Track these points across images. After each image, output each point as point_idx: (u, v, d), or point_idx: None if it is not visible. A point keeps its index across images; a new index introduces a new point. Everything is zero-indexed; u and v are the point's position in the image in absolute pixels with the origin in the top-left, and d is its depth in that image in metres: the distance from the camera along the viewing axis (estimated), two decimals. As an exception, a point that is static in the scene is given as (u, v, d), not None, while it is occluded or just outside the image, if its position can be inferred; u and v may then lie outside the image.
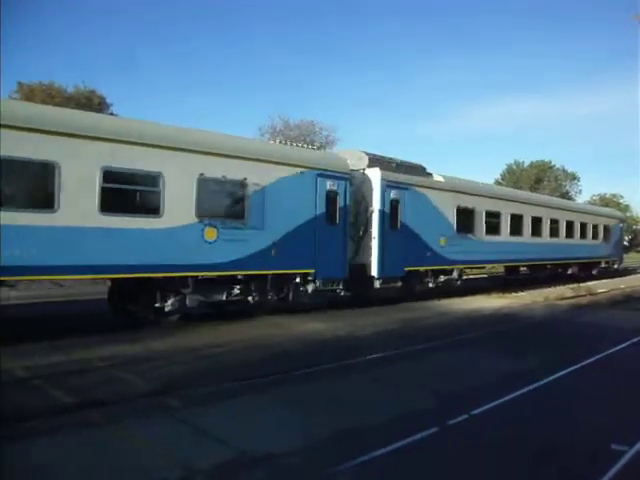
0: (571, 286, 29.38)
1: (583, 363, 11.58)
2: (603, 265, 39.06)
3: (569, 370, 10.93)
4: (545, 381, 9.97)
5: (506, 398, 8.80)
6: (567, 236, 33.47)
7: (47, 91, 49.75)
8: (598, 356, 12.32)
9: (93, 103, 51.88)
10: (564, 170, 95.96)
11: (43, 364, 10.01)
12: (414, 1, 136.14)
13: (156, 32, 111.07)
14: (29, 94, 46.49)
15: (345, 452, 6.29)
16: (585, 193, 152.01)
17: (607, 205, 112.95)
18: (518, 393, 9.12)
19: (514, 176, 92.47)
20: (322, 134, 59.69)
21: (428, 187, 21.97)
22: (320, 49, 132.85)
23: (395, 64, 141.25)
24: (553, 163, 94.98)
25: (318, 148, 24.79)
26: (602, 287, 30.34)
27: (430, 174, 23.06)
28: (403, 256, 20.29)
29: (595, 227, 37.42)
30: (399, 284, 21.15)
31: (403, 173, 20.99)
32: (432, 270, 22.41)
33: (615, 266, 41.03)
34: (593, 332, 15.82)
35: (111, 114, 51.89)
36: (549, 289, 28.77)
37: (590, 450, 6.90)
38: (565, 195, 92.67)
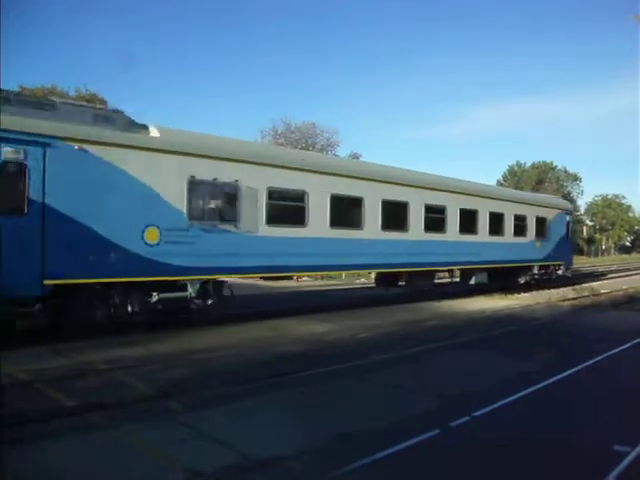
0: (573, 287, 29.41)
1: (585, 364, 11.57)
2: (536, 271, 29.47)
3: (571, 371, 10.93)
4: (547, 382, 9.97)
5: (508, 399, 8.80)
6: (465, 230, 23.76)
7: (49, 94, 49.88)
8: (600, 357, 12.31)
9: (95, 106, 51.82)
10: (566, 171, 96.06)
11: (45, 367, 10.02)
12: (412, 1, 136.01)
13: (152, 31, 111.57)
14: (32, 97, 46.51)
15: (348, 454, 6.30)
16: (587, 194, 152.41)
17: (609, 206, 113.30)
18: (520, 394, 9.13)
19: (515, 177, 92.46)
20: (323, 136, 59.75)
21: (115, 145, 13.07)
22: (316, 50, 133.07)
23: (391, 64, 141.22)
24: (555, 164, 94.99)
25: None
26: (605, 288, 30.42)
27: (143, 127, 14.13)
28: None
29: (520, 219, 27.74)
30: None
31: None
32: (126, 283, 13.39)
33: (560, 272, 31.47)
34: (595, 333, 15.79)
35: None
36: (552, 290, 28.80)
37: (593, 451, 6.90)
38: (567, 196, 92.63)
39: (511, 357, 12.35)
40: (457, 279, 26.43)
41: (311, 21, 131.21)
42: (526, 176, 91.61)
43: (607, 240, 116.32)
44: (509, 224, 27.05)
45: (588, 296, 26.40)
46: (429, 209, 21.92)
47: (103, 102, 53.91)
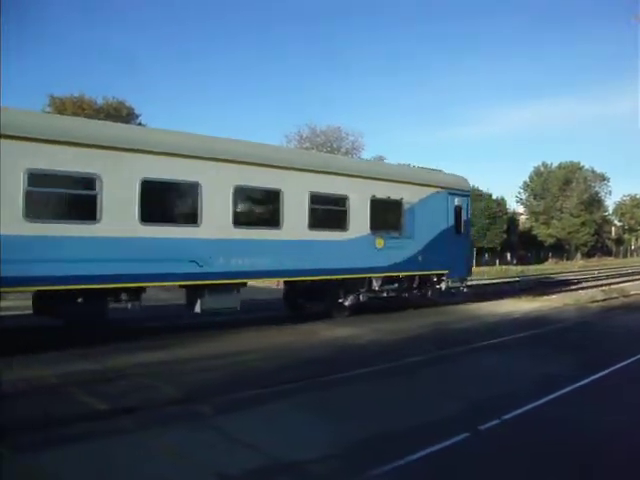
0: (602, 288, 28.96)
1: (615, 367, 11.38)
2: (378, 286, 18.63)
3: (602, 374, 10.75)
4: (577, 385, 9.81)
5: (538, 402, 8.68)
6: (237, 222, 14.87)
7: (77, 103, 50.57)
8: (630, 360, 12.09)
9: (122, 114, 52.63)
10: (593, 171, 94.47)
11: (75, 371, 10.13)
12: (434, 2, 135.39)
13: (168, 33, 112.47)
14: (60, 107, 47.26)
15: (376, 458, 6.23)
16: (615, 194, 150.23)
17: (638, 206, 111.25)
18: (550, 397, 8.99)
19: (541, 178, 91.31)
20: (348, 140, 59.82)
21: None
22: (339, 52, 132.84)
23: (415, 66, 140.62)
24: (582, 164, 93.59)
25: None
26: (635, 289, 29.84)
27: None
28: None
29: (328, 201, 17.18)
30: None
31: None
32: None
33: (442, 286, 20.91)
34: (625, 335, 15.55)
35: (139, 124, 52.75)
36: (580, 292, 28.40)
37: (625, 456, 6.75)
38: (594, 196, 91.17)
39: (540, 359, 12.19)
40: None
41: (334, 23, 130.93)
42: (553, 177, 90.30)
43: (636, 240, 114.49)
44: (295, 210, 16.10)
45: (617, 297, 26.00)
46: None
47: (130, 109, 54.63)
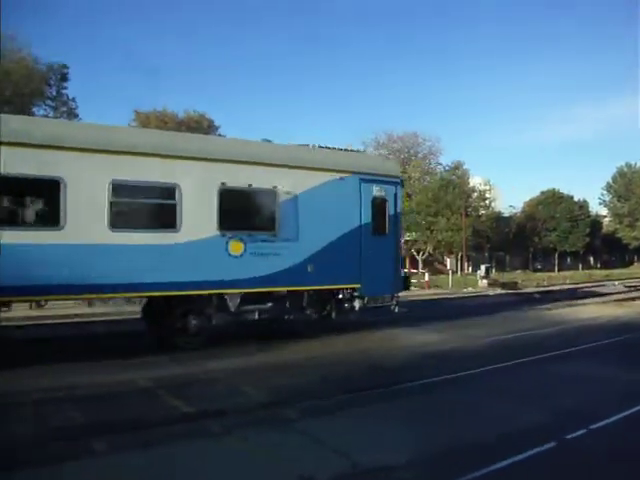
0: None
1: None
2: (232, 308, 13.60)
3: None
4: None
5: (627, 412, 8.33)
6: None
7: (160, 117, 52.30)
8: None
9: (203, 126, 54.12)
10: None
11: (164, 375, 10.45)
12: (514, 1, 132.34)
13: (235, 34, 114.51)
14: (145, 121, 48.99)
15: (461, 466, 6.14)
16: None
17: None
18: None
19: (625, 179, 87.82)
20: (425, 145, 59.35)
21: None
22: (415, 52, 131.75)
23: (492, 66, 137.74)
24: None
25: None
26: None
27: None
28: None
29: (163, 192, 12.82)
30: None
31: None
32: None
33: (355, 305, 15.61)
34: None
35: (219, 135, 54.04)
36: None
37: None
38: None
39: (629, 367, 11.70)
40: None
41: (408, 23, 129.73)
42: (637, 178, 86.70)
43: None
44: (86, 205, 11.80)
45: None
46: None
47: (210, 121, 56.08)
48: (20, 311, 16.36)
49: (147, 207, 12.84)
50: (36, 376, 10.32)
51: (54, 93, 48.41)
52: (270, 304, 14.27)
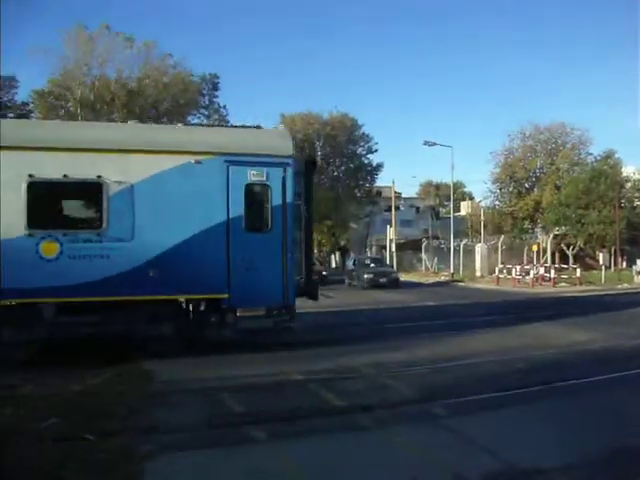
0: None
1: None
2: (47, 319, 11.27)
3: None
4: None
5: None
6: None
7: (306, 119, 53.69)
8: None
9: (346, 125, 54.92)
10: None
11: (315, 369, 10.73)
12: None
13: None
14: (291, 123, 50.58)
15: (622, 472, 5.81)
16: None
17: None
18: None
19: None
20: (574, 134, 56.36)
21: None
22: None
23: None
24: None
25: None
26: None
27: None
28: None
29: None
30: None
31: None
32: None
33: (227, 320, 12.23)
34: None
35: (363, 134, 54.71)
36: None
37: None
38: None
39: None
40: None
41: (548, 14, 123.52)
42: None
43: None
44: None
45: None
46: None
47: (353, 121, 56.70)
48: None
49: None
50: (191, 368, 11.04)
51: (207, 102, 51.17)
52: (97, 317, 11.55)
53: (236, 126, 14.45)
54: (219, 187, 12.14)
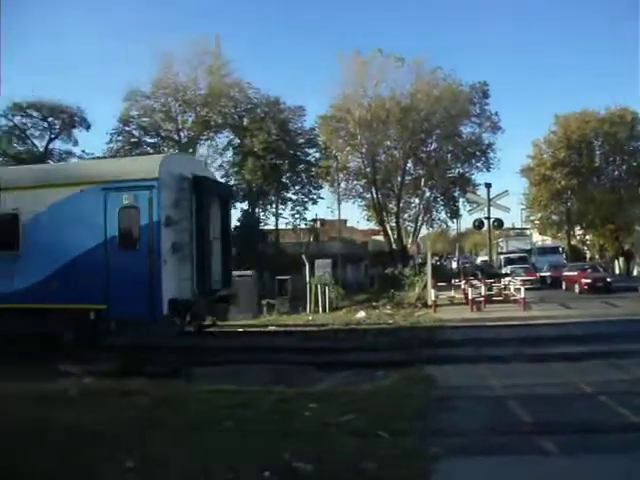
0: None
1: None
2: None
3: None
4: None
5: None
6: None
7: (581, 118, 50.49)
8: None
9: (626, 120, 50.43)
10: None
11: (605, 380, 9.95)
12: None
13: None
14: (565, 123, 47.92)
15: None
16: None
17: None
18: None
19: None
20: None
21: None
22: None
23: None
24: None
25: None
26: None
27: None
28: None
29: None
30: None
31: None
32: None
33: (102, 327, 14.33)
34: None
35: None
36: None
37: None
38: None
39: None
40: None
41: None
42: None
43: None
44: None
45: None
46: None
47: (635, 116, 51.66)
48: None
49: None
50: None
51: (478, 111, 50.63)
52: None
53: (113, 157, 16.58)
54: (99, 211, 13.81)
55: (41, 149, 47.43)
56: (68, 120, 47.61)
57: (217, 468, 5.93)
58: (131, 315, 13.74)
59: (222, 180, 18.49)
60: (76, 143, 48.55)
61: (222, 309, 16.24)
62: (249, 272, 27.99)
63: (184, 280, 14.27)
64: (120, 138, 47.97)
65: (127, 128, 48.35)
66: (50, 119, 47.42)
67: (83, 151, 48.16)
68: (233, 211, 47.14)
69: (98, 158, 19.18)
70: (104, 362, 11.84)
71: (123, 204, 13.94)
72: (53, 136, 47.88)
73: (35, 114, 47.01)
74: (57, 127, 47.87)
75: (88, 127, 48.58)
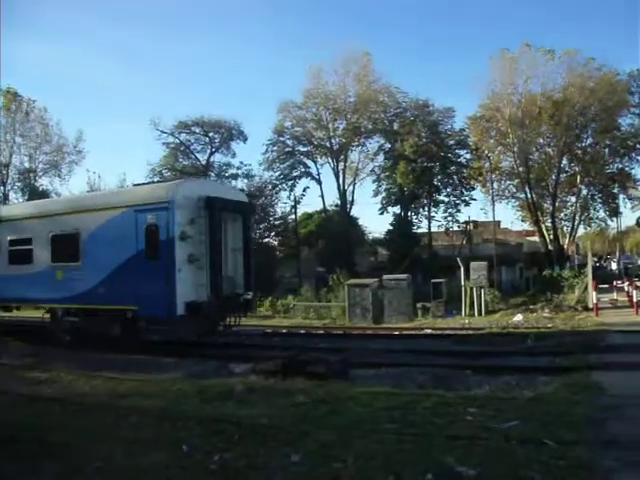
0: None
1: None
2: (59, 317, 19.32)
3: None
4: None
5: None
6: None
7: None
8: None
9: None
10: None
11: None
12: None
13: None
14: None
15: None
16: None
17: None
18: None
19: None
20: None
21: None
22: None
23: None
24: None
25: None
26: None
27: None
28: None
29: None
30: None
31: None
32: None
33: (140, 325, 17.13)
34: None
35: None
36: None
37: None
38: None
39: None
40: None
41: None
42: None
43: None
44: None
45: None
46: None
47: None
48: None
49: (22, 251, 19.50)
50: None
51: (637, 100, 47.00)
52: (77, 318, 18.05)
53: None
54: (133, 229, 16.44)
55: (203, 162, 50.78)
56: (227, 134, 50.57)
57: (376, 469, 5.96)
58: (154, 314, 16.16)
59: (248, 197, 22.31)
60: (234, 155, 51.70)
61: (245, 310, 18.64)
62: (404, 276, 28.10)
63: (200, 286, 16.35)
64: (275, 148, 50.19)
65: (281, 138, 50.48)
66: (211, 134, 50.63)
67: (241, 162, 51.10)
68: (386, 215, 48.11)
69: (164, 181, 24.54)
70: (266, 361, 12.32)
71: (148, 222, 16.39)
72: (214, 150, 51.14)
73: (198, 130, 50.43)
74: (217, 141, 51.01)
75: (245, 140, 51.40)
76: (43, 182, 54.03)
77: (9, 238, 20.14)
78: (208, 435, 7.29)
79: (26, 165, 53.07)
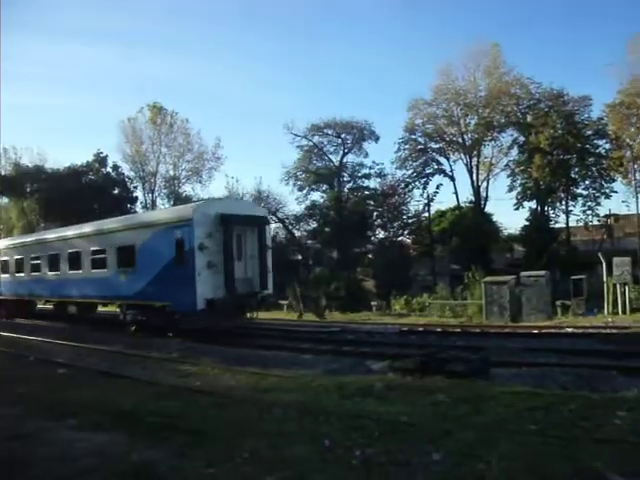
0: None
1: None
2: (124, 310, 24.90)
3: None
4: None
5: None
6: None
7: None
8: None
9: None
10: None
11: None
12: None
13: None
14: None
15: None
16: None
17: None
18: None
19: None
20: None
21: None
22: None
23: None
24: None
25: None
26: None
27: None
28: None
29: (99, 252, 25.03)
30: None
31: None
32: None
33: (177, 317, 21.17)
34: None
35: None
36: None
37: None
38: None
39: None
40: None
41: None
42: None
43: None
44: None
45: None
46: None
47: None
48: None
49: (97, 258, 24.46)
50: None
51: None
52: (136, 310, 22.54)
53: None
54: (168, 242, 20.37)
55: (336, 163, 51.58)
56: (359, 134, 51.03)
57: (521, 471, 5.82)
58: (182, 309, 20.02)
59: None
60: (366, 155, 52.07)
61: (260, 305, 21.93)
62: (542, 272, 27.07)
63: (217, 286, 19.60)
64: (407, 146, 49.92)
65: (413, 136, 50.11)
66: (343, 135, 51.34)
67: (373, 162, 51.39)
68: (521, 211, 46.40)
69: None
70: (404, 359, 12.37)
71: (177, 237, 20.12)
72: (346, 150, 51.82)
73: (330, 132, 51.31)
74: (349, 142, 51.63)
75: (377, 139, 51.63)
76: (186, 188, 57.93)
77: (92, 248, 24.83)
78: (348, 430, 7.36)
79: (171, 173, 57.23)
